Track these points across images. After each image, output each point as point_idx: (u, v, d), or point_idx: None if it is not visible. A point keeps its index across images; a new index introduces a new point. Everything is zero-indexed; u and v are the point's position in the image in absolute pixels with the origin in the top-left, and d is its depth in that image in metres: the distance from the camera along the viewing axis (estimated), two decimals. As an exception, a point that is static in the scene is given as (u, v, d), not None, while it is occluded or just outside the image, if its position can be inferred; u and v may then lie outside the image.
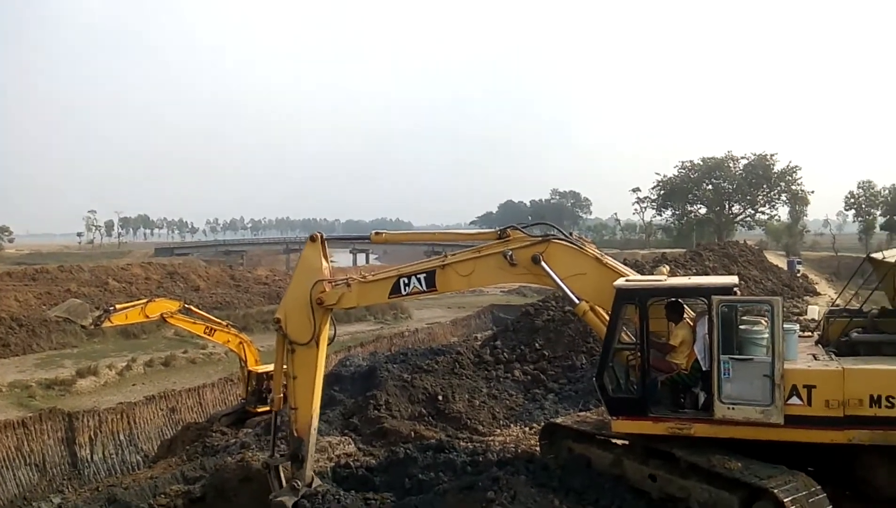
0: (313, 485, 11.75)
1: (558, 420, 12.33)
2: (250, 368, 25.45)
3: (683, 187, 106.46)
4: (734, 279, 10.35)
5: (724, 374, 9.14)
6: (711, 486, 8.96)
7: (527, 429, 16.34)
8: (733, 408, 9.11)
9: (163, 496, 14.36)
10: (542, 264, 10.61)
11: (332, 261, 12.73)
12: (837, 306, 11.82)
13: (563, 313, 24.20)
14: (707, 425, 9.32)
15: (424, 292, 11.49)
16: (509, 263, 10.78)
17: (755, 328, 9.38)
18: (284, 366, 11.94)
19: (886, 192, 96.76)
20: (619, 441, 10.56)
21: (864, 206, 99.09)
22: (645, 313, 9.70)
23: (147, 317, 23.84)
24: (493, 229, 11.52)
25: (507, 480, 9.69)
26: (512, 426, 17.26)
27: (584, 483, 9.95)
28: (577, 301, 10.59)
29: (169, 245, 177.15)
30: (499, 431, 16.94)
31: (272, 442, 12.93)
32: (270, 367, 25.45)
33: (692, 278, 12.02)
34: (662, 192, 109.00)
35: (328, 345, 12.18)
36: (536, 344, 22.80)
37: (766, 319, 9.16)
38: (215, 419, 25.18)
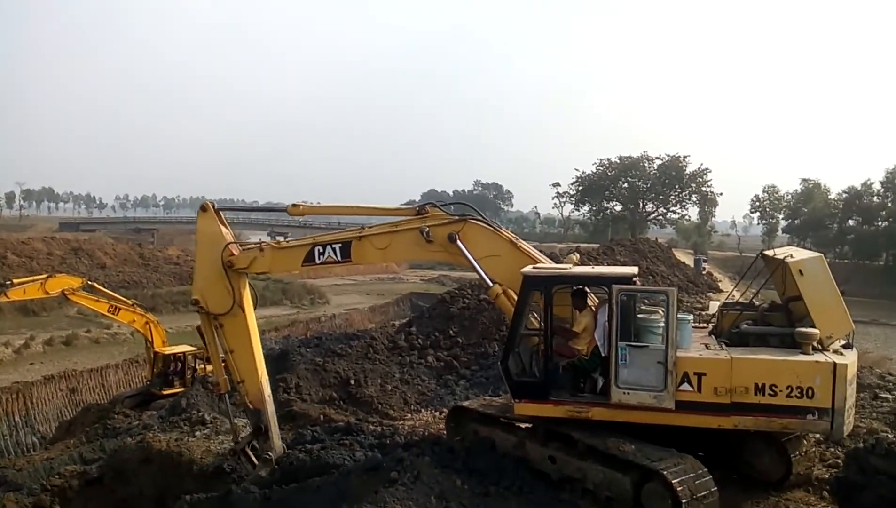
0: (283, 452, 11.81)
1: (465, 404, 12.52)
2: (157, 349, 24.88)
3: (601, 184, 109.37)
4: (634, 270, 10.78)
5: (622, 360, 9.50)
6: (606, 467, 9.31)
7: (437, 414, 16.53)
8: (628, 393, 9.48)
9: (57, 476, 13.78)
10: (458, 242, 10.74)
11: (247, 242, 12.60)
12: (732, 299, 12.41)
13: (478, 302, 24.55)
14: (604, 409, 9.66)
15: (339, 262, 11.51)
16: (425, 239, 10.84)
17: (652, 317, 9.79)
18: (221, 350, 11.86)
19: (789, 196, 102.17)
20: (523, 425, 10.82)
21: (768, 209, 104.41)
22: (549, 299, 9.99)
23: (47, 293, 22.95)
24: (412, 206, 11.54)
25: (411, 461, 9.79)
26: (423, 410, 17.44)
27: (488, 465, 10.14)
28: (490, 284, 10.77)
29: (75, 220, 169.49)
30: (409, 416, 17.08)
31: (231, 427, 12.60)
32: (178, 349, 25.17)
33: (595, 267, 12.43)
34: (581, 188, 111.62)
35: (254, 309, 12.05)
36: (451, 331, 23.07)
37: (663, 309, 9.57)
38: (118, 401, 24.41)
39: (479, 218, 11.18)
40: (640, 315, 9.83)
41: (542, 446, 10.18)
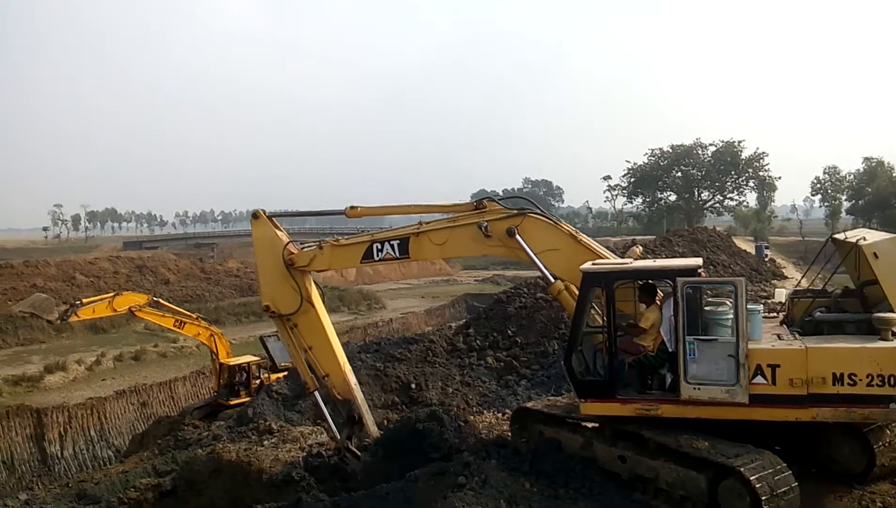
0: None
1: (529, 405, 12.37)
2: (222, 361, 25.43)
3: (653, 175, 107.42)
4: (698, 261, 10.38)
5: (690, 355, 9.22)
6: (679, 466, 9.05)
7: (499, 415, 16.39)
8: (699, 388, 9.19)
9: (133, 489, 14.22)
10: (517, 237, 10.66)
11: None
12: (802, 287, 11.96)
13: (534, 300, 24.31)
14: (674, 405, 9.40)
15: (397, 258, 11.66)
16: (484, 234, 10.82)
17: (720, 309, 9.49)
18: (301, 349, 12.11)
19: (851, 177, 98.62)
20: (589, 424, 10.63)
21: (829, 191, 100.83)
22: (612, 295, 9.75)
23: (115, 311, 23.71)
24: (469, 202, 11.46)
25: (477, 465, 9.71)
26: (485, 412, 17.32)
27: (555, 466, 10.01)
28: (551, 279, 10.62)
29: (138, 239, 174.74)
30: (472, 418, 16.99)
31: (329, 426, 12.53)
32: (242, 359, 25.65)
33: (657, 260, 12.13)
34: (633, 179, 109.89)
35: (323, 303, 12.40)
36: (509, 331, 22.87)
37: (731, 300, 9.26)
38: (187, 413, 25.06)
39: (538, 212, 11.11)
40: (706, 308, 9.56)
41: (611, 445, 9.96)
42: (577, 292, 10.24)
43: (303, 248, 12.20)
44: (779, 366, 9.03)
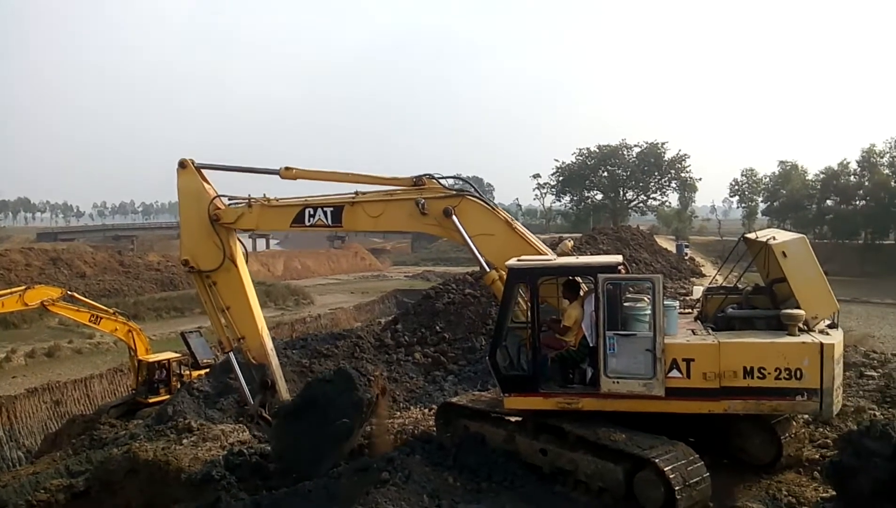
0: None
1: (453, 400, 12.45)
2: (140, 357, 24.78)
3: (581, 174, 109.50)
4: (619, 258, 10.65)
5: (610, 349, 9.44)
6: (598, 458, 9.27)
7: (426, 411, 16.44)
8: (618, 382, 9.44)
9: (43, 491, 13.61)
10: (454, 218, 10.63)
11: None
12: (715, 284, 12.42)
13: (463, 296, 24.50)
14: (594, 399, 9.61)
15: (329, 226, 11.48)
16: (420, 211, 10.71)
17: (638, 304, 9.74)
18: (218, 309, 11.74)
19: (767, 179, 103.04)
20: (513, 419, 10.78)
21: (747, 193, 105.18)
22: (535, 291, 9.90)
23: (26, 305, 22.78)
24: (409, 177, 11.22)
25: (401, 460, 9.71)
26: (412, 408, 17.34)
27: (478, 461, 10.08)
28: (486, 268, 10.66)
29: (52, 230, 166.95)
30: (398, 414, 16.98)
31: (242, 390, 12.17)
32: (162, 356, 24.95)
33: (580, 257, 12.37)
34: (561, 178, 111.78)
35: (245, 263, 12.05)
36: (437, 327, 22.98)
37: (649, 296, 9.53)
38: (104, 411, 24.25)
39: (477, 195, 11.07)
40: (626, 303, 9.79)
41: (533, 439, 10.13)
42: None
43: (230, 204, 11.77)
44: (693, 360, 9.32)
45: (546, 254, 10.84)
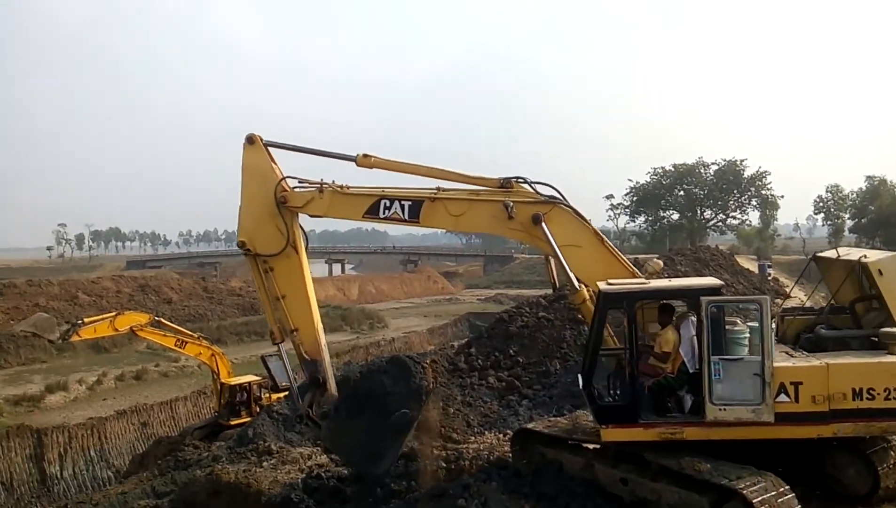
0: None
1: (530, 426, 12.25)
2: (223, 380, 25.36)
3: (656, 194, 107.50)
4: (719, 281, 10.20)
5: (715, 375, 9.06)
6: (681, 488, 8.94)
7: (501, 436, 16.25)
8: (724, 409, 9.04)
9: (131, 511, 14.09)
10: (543, 225, 10.17)
11: None
12: (798, 304, 11.98)
13: (537, 320, 24.20)
14: (699, 428, 9.18)
15: (405, 221, 10.77)
16: (507, 215, 10.21)
17: (736, 328, 9.35)
18: (273, 297, 10.99)
19: (854, 195, 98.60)
20: (591, 446, 10.52)
21: (832, 209, 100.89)
22: (633, 316, 9.46)
23: (116, 330, 23.69)
24: (496, 178, 10.72)
25: (477, 487, 9.64)
26: (486, 433, 17.16)
27: (556, 488, 9.91)
28: (577, 286, 10.16)
29: (141, 258, 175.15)
30: (473, 438, 16.84)
31: (290, 386, 11.56)
32: (243, 379, 25.56)
33: (673, 280, 11.94)
34: (635, 198, 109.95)
35: (306, 250, 11.30)
36: (511, 350, 22.73)
37: (741, 318, 9.21)
38: (188, 433, 24.98)
39: (568, 204, 10.56)
40: (727, 327, 9.36)
41: (613, 467, 9.84)
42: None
43: (298, 187, 11.04)
44: (801, 383, 9.03)
45: (634, 272, 10.41)
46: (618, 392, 9.82)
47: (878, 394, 8.90)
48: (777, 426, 9.00)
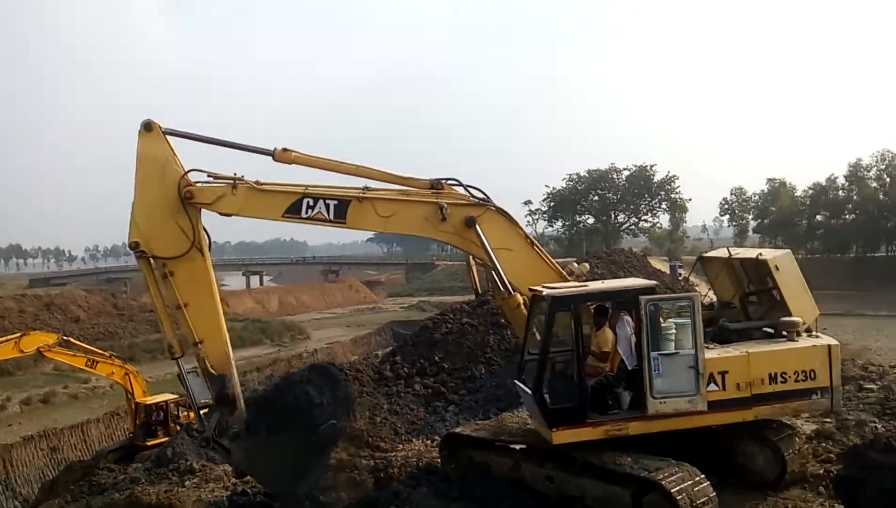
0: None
1: (457, 430, 12.41)
2: (138, 400, 24.63)
3: (572, 199, 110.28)
4: (653, 281, 10.75)
5: (655, 370, 9.53)
6: (604, 483, 9.27)
7: (429, 442, 16.34)
8: (664, 402, 9.55)
9: (43, 541, 13.41)
10: (477, 228, 10.04)
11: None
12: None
13: (461, 326, 24.46)
14: (641, 422, 9.61)
15: (330, 221, 9.90)
16: (441, 217, 9.96)
17: (664, 324, 9.85)
18: (174, 305, 9.67)
19: (757, 197, 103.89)
20: (517, 446, 10.75)
21: (737, 211, 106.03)
22: (580, 318, 9.69)
23: (22, 352, 22.69)
24: (425, 179, 10.36)
25: (407, 493, 9.70)
26: (414, 440, 17.21)
27: (484, 490, 10.07)
28: (510, 291, 10.21)
29: (44, 275, 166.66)
30: (401, 446, 16.87)
31: (195, 408, 10.18)
32: (159, 398, 24.76)
33: (611, 281, 12.37)
34: (552, 204, 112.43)
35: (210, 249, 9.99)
36: (436, 357, 22.88)
37: (665, 316, 9.77)
38: (102, 456, 24.01)
39: (500, 208, 10.48)
40: (662, 324, 9.90)
41: (539, 466, 10.11)
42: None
43: (205, 183, 9.80)
44: (727, 372, 9.78)
45: (563, 275, 10.61)
46: (564, 394, 9.83)
47: (790, 377, 9.91)
48: (710, 413, 9.65)
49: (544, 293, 9.75)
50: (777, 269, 10.84)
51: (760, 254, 11.42)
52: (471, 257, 11.02)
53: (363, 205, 9.97)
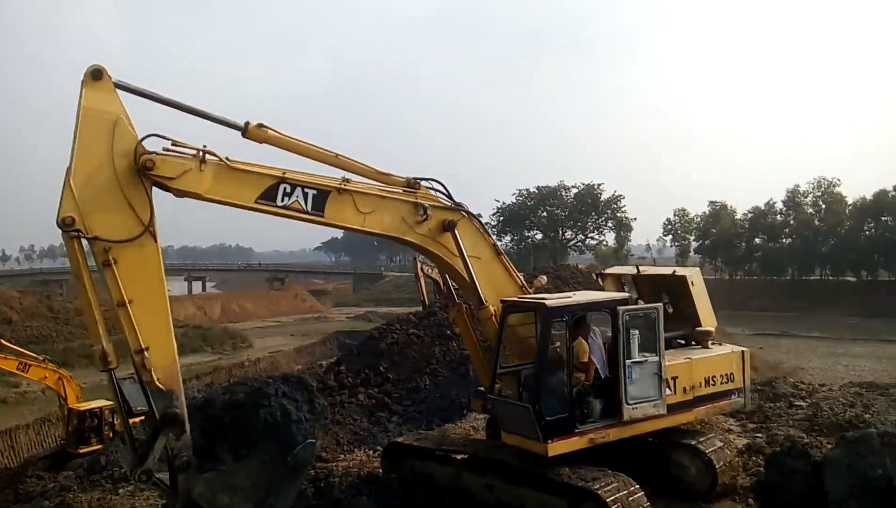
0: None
1: (399, 440, 12.45)
2: (71, 406, 23.94)
3: (521, 214, 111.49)
4: (626, 294, 11.28)
5: (628, 378, 9.93)
6: (542, 492, 9.43)
7: (371, 452, 16.31)
8: (636, 408, 10.00)
9: (-35, 551, 12.88)
10: (456, 233, 9.74)
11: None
12: None
13: (407, 336, 24.53)
14: (619, 428, 9.98)
15: (307, 213, 8.70)
16: (419, 218, 9.51)
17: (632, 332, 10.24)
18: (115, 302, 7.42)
19: (699, 219, 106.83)
20: (459, 456, 10.84)
21: (679, 231, 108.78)
22: (573, 329, 9.85)
23: (-52, 354, 21.67)
24: (402, 177, 9.79)
25: (348, 503, 9.68)
26: (356, 450, 17.15)
27: (426, 499, 10.10)
28: (484, 302, 10.01)
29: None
30: (342, 456, 16.77)
31: (129, 437, 7.71)
32: (94, 404, 24.06)
33: (590, 293, 13.05)
34: (502, 218, 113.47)
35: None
36: (381, 367, 22.91)
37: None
38: (31, 463, 23.25)
39: (472, 214, 10.30)
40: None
41: (480, 476, 10.21)
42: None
43: (166, 152, 7.93)
44: (677, 377, 10.62)
45: (525, 287, 10.65)
46: (556, 406, 9.70)
47: (718, 380, 11.20)
48: (667, 416, 10.40)
49: (544, 304, 9.76)
50: (693, 284, 12.00)
51: (675, 271, 12.90)
52: (420, 267, 11.06)
53: (343, 198, 8.97)
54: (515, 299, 10.20)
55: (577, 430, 9.73)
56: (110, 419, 23.69)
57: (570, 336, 9.92)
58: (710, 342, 11.84)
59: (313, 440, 8.18)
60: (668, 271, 13.40)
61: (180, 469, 7.39)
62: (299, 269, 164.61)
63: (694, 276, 12.34)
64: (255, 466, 7.78)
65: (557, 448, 9.49)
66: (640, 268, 13.58)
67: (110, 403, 24.21)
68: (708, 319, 12.04)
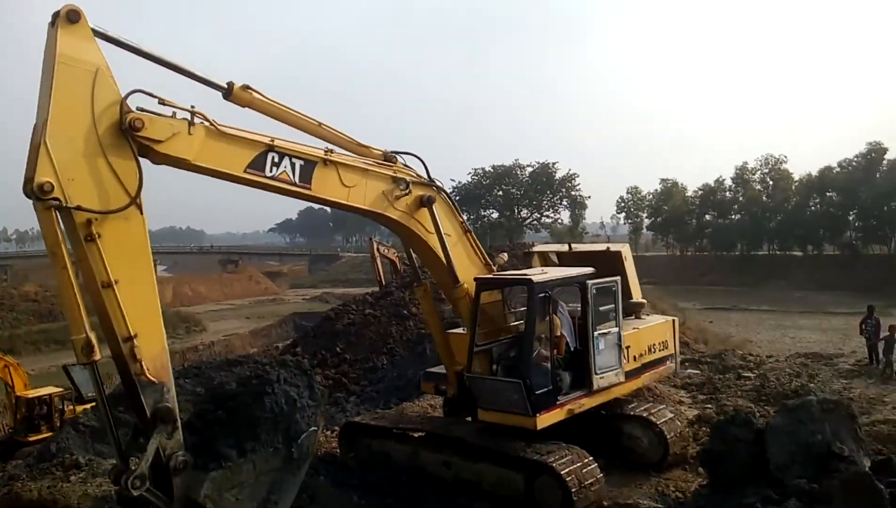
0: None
1: (356, 419, 12.46)
2: (18, 393, 23.34)
3: (476, 193, 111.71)
4: (591, 268, 10.84)
5: (596, 349, 10.27)
6: (499, 467, 9.57)
7: (328, 432, 16.30)
8: (603, 377, 10.39)
9: None
10: (434, 209, 9.61)
11: None
12: None
13: (363, 317, 24.50)
14: (590, 398, 10.33)
15: (293, 185, 8.14)
16: (400, 192, 9.28)
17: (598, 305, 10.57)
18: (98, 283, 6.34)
19: (651, 196, 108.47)
20: (416, 434, 10.91)
21: (632, 209, 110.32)
22: (556, 303, 10.15)
23: None
24: (379, 150, 9.49)
25: (305, 483, 9.61)
26: (313, 431, 17.12)
27: (383, 478, 10.16)
28: (458, 279, 9.98)
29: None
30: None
31: (115, 439, 6.58)
32: (43, 391, 23.50)
33: (558, 268, 12.81)
34: (458, 197, 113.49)
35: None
36: (338, 348, 22.88)
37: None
38: (-24, 454, 22.46)
39: (445, 192, 10.21)
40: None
41: (437, 452, 10.30)
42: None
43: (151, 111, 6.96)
44: (630, 346, 11.08)
45: (489, 265, 10.69)
46: (540, 379, 9.77)
47: (657, 348, 11.91)
48: (624, 384, 10.96)
49: (531, 280, 9.82)
50: (626, 259, 12.54)
51: (609, 247, 13.59)
52: (376, 247, 11.02)
53: (328, 170, 8.52)
54: (491, 276, 10.35)
55: (557, 402, 9.95)
56: (60, 407, 23.18)
57: (551, 310, 10.10)
58: (642, 313, 12.50)
59: (315, 428, 7.66)
60: (601, 247, 14.07)
61: (176, 471, 6.59)
62: (253, 251, 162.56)
63: (626, 252, 12.94)
64: (259, 460, 7.09)
65: (544, 420, 9.68)
66: (573, 245, 14.15)
67: (60, 390, 23.74)
68: (637, 292, 12.70)
